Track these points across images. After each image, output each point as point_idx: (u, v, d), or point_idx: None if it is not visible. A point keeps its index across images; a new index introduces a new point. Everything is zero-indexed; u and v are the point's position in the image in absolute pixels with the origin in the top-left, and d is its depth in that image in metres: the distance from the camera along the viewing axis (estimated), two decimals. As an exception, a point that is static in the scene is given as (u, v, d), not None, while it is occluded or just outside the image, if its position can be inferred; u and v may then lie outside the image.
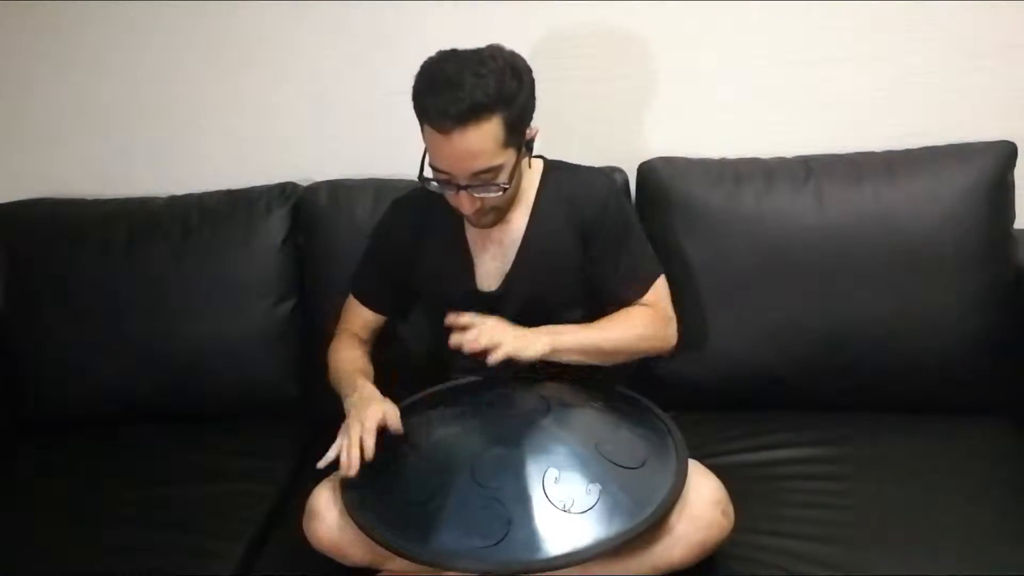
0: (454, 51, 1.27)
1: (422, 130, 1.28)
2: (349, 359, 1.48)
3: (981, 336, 1.50)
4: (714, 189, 1.56)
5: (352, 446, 1.23)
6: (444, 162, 1.27)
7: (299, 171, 1.79)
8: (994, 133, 1.55)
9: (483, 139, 1.23)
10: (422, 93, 1.25)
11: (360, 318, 1.55)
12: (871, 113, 1.67)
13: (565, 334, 1.36)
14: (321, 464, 1.25)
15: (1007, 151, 1.52)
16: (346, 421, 1.29)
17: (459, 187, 1.28)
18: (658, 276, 1.44)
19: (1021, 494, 1.34)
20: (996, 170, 1.50)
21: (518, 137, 1.28)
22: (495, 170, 1.27)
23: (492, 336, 1.29)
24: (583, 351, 1.36)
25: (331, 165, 1.78)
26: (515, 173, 1.31)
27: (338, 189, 1.71)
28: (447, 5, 1.68)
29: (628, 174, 1.64)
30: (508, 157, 1.28)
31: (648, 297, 1.43)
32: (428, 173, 1.31)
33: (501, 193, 1.30)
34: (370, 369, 1.47)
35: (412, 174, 1.70)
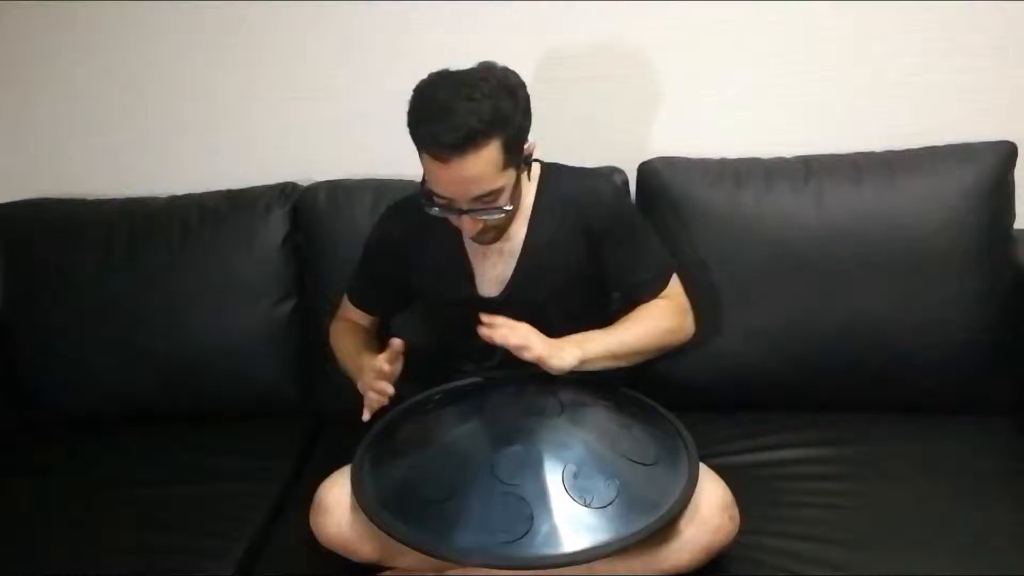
0: (445, 74, 1.25)
1: (420, 156, 1.26)
2: (353, 343, 1.50)
3: (981, 336, 1.50)
4: (714, 189, 1.56)
5: (373, 383, 1.29)
6: (444, 189, 1.26)
7: (299, 171, 1.79)
8: (994, 133, 1.55)
9: (482, 164, 1.22)
10: (416, 122, 1.23)
11: (357, 317, 1.57)
12: (871, 113, 1.67)
13: (593, 342, 1.34)
14: (365, 417, 1.30)
15: (1007, 151, 1.52)
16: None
17: (460, 211, 1.27)
18: (673, 269, 1.45)
19: (1020, 494, 1.34)
20: (996, 170, 1.50)
21: (517, 156, 1.27)
22: (496, 193, 1.26)
23: (523, 338, 1.28)
24: (613, 355, 1.36)
25: (331, 165, 1.77)
26: (516, 192, 1.30)
27: (338, 189, 1.70)
28: (447, 6, 1.68)
29: (628, 174, 1.64)
30: (508, 178, 1.27)
31: (666, 290, 1.44)
32: (426, 197, 1.30)
33: (503, 215, 1.29)
34: (372, 345, 1.50)
35: (412, 174, 1.70)
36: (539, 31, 1.67)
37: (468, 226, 1.29)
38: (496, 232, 1.36)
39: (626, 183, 1.64)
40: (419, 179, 1.65)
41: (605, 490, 1.15)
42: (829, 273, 1.51)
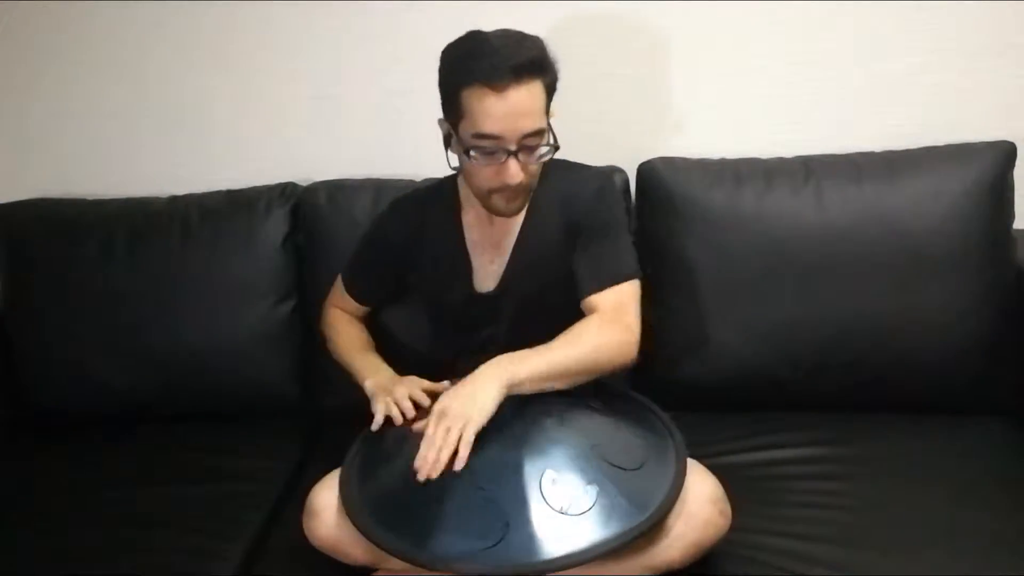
0: (477, 30, 1.28)
1: (459, 102, 1.24)
2: (355, 336, 1.52)
3: (981, 336, 1.50)
4: (714, 189, 1.56)
5: (402, 399, 1.31)
6: (496, 123, 1.23)
7: (299, 171, 1.79)
8: (994, 133, 1.55)
9: (533, 98, 1.24)
10: (466, 59, 1.25)
11: (350, 304, 1.58)
12: (871, 113, 1.67)
13: (519, 365, 1.26)
14: (375, 426, 1.31)
15: (1007, 151, 1.52)
16: (376, 397, 1.35)
17: (508, 152, 1.25)
18: (626, 279, 1.36)
19: (1020, 494, 1.34)
20: (996, 170, 1.50)
21: (548, 109, 1.29)
22: (541, 134, 1.27)
23: (453, 428, 1.19)
24: (543, 377, 1.27)
25: (331, 165, 1.77)
26: (553, 145, 1.31)
27: (337, 189, 1.70)
28: (447, 5, 1.68)
29: (628, 174, 1.64)
30: (546, 125, 1.28)
31: (607, 297, 1.34)
32: (465, 151, 1.28)
33: (548, 158, 1.29)
34: (372, 344, 1.54)
35: (412, 174, 1.70)
36: (539, 30, 1.66)
37: (514, 171, 1.26)
38: (524, 197, 1.34)
39: (626, 183, 1.64)
40: (418, 179, 1.64)
41: (583, 497, 1.14)
42: (829, 273, 1.51)
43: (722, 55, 1.67)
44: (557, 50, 1.69)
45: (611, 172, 1.62)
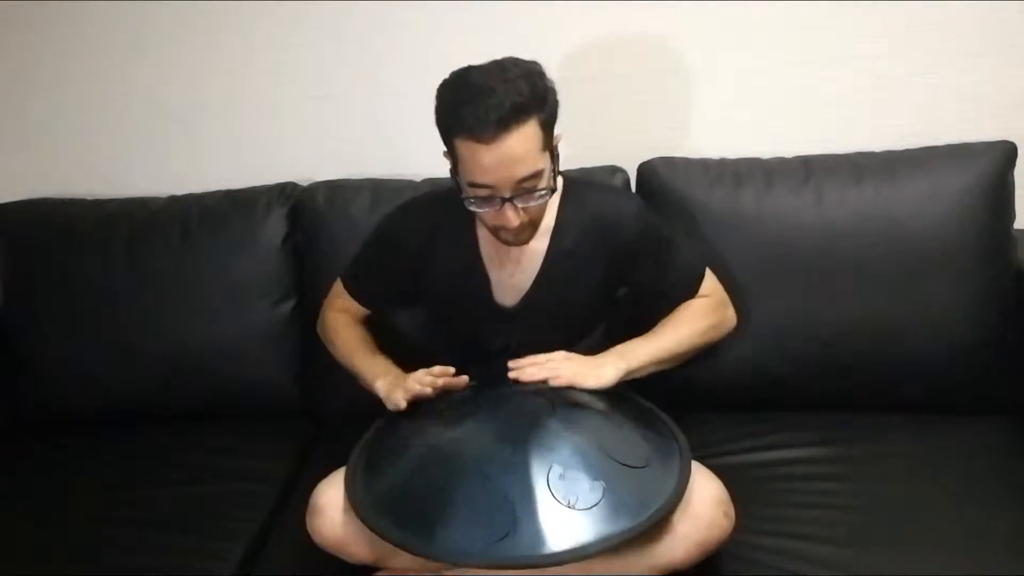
0: (470, 67, 1.23)
1: (453, 148, 1.23)
2: (356, 337, 1.50)
3: (981, 336, 1.50)
4: (714, 189, 1.56)
5: (423, 377, 1.32)
6: (487, 174, 1.21)
7: (299, 171, 1.79)
8: (994, 133, 1.55)
9: (525, 142, 1.19)
10: (452, 107, 1.21)
11: (352, 306, 1.55)
12: (871, 113, 1.67)
13: (636, 351, 1.37)
14: (402, 406, 1.31)
15: (1007, 151, 1.52)
16: (393, 393, 1.33)
17: (503, 200, 1.23)
18: (704, 270, 1.47)
19: (1020, 494, 1.34)
20: (996, 170, 1.50)
21: (550, 140, 1.25)
22: (537, 176, 1.23)
23: (553, 369, 1.32)
24: (657, 362, 1.37)
25: (331, 165, 1.78)
26: (553, 179, 1.28)
27: (335, 189, 1.70)
28: (446, 5, 1.68)
29: (628, 174, 1.64)
30: (546, 162, 1.24)
31: (703, 287, 1.46)
32: (463, 197, 1.27)
33: (547, 199, 1.26)
34: (375, 344, 1.51)
35: (410, 175, 1.70)
36: (538, 31, 1.67)
37: (511, 217, 1.25)
38: (530, 230, 1.33)
39: (626, 183, 1.64)
40: (418, 179, 1.64)
41: (590, 492, 1.15)
42: (829, 273, 1.51)
43: (722, 55, 1.67)
44: (557, 49, 1.70)
45: (611, 172, 1.63)
